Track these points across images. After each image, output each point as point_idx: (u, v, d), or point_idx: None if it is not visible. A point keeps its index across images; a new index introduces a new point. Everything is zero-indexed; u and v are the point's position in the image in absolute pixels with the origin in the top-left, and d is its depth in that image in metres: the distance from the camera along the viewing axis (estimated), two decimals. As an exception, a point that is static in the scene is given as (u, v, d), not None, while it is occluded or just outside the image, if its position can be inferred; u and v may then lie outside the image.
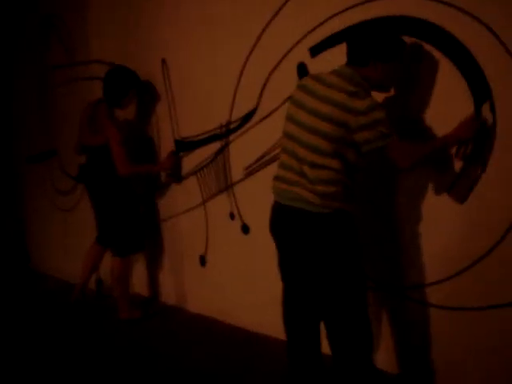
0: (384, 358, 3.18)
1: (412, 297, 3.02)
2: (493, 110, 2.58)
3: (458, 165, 2.74)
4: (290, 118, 2.64)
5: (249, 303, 3.81)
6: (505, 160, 2.58)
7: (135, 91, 4.11)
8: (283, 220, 2.65)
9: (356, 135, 2.44)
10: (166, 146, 4.27)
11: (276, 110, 3.45)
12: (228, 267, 3.95)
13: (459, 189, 2.75)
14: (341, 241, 2.56)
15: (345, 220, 2.57)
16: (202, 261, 4.16)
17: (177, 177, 4.21)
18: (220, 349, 3.65)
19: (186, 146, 4.10)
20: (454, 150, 2.72)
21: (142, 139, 4.42)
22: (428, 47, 2.75)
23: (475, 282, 2.76)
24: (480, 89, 2.61)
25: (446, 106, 2.74)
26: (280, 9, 3.33)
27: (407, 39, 2.73)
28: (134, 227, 4.21)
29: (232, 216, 3.85)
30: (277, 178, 2.67)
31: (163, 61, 4.13)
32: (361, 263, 2.65)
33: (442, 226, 2.86)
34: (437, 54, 2.73)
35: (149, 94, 4.28)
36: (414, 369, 3.10)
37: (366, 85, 2.53)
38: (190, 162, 4.11)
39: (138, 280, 4.73)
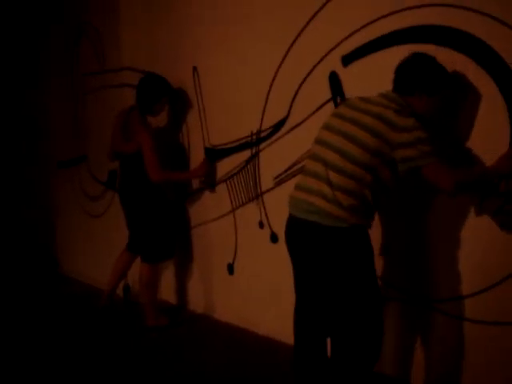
0: (408, 368, 3.17)
1: (443, 310, 2.98)
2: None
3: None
4: (325, 127, 2.63)
5: (275, 313, 3.79)
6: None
7: (167, 98, 4.12)
8: (298, 234, 2.64)
9: (396, 152, 2.43)
10: (196, 154, 4.27)
11: (307, 118, 3.44)
12: (256, 276, 3.93)
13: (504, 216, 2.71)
14: (355, 257, 2.54)
15: (360, 236, 2.55)
16: (231, 269, 4.15)
17: (211, 183, 4.20)
18: (244, 357, 3.65)
19: (216, 153, 4.10)
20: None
21: (174, 146, 4.43)
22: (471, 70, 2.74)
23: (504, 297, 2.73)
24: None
25: (488, 133, 2.71)
26: (314, 16, 3.33)
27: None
28: (165, 234, 4.22)
29: (261, 225, 3.84)
30: (296, 187, 2.66)
31: (194, 68, 4.15)
32: (375, 279, 2.62)
33: (476, 240, 2.82)
34: (479, 77, 2.70)
35: (180, 101, 4.29)
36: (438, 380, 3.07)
37: (409, 109, 2.54)
38: (220, 169, 4.11)
39: (167, 287, 4.72)
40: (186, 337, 4.06)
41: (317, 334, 2.77)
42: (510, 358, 2.76)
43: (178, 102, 4.30)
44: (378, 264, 3.18)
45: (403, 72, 2.63)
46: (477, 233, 2.81)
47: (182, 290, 4.67)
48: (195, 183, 4.33)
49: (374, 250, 2.62)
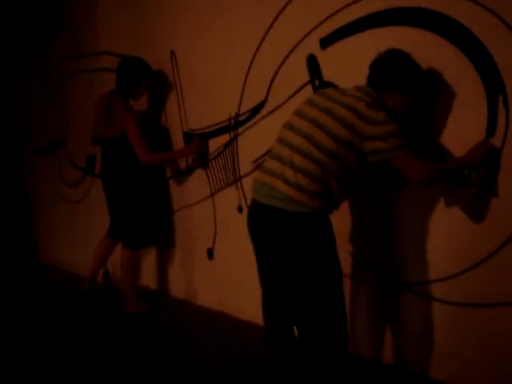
0: (384, 349, 3.19)
1: (417, 291, 3.00)
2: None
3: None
4: (296, 113, 2.62)
5: (257, 297, 3.77)
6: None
7: (148, 81, 4.08)
8: (259, 220, 2.61)
9: (366, 143, 2.43)
10: (175, 138, 4.25)
11: (285, 102, 3.42)
12: (236, 261, 3.92)
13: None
14: (315, 242, 2.50)
15: (321, 221, 2.52)
16: (210, 254, 4.14)
17: (203, 161, 4.10)
18: (227, 343, 3.64)
19: (193, 138, 4.06)
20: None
21: (156, 130, 4.40)
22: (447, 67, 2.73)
23: (482, 280, 2.74)
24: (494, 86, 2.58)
25: (465, 123, 2.71)
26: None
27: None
28: (148, 220, 4.21)
29: (240, 209, 3.83)
30: (260, 170, 2.64)
31: (172, 52, 4.11)
32: (337, 264, 2.59)
33: (450, 225, 2.83)
34: (458, 61, 2.69)
35: (159, 86, 4.25)
36: (413, 361, 3.09)
37: (381, 104, 2.53)
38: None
39: (147, 273, 4.71)
40: (166, 323, 4.05)
41: (284, 322, 2.75)
42: (481, 339, 2.79)
43: (157, 87, 4.27)
44: (352, 246, 3.23)
45: (378, 68, 2.62)
46: (451, 217, 2.82)
47: (162, 275, 4.66)
48: (190, 161, 4.24)
49: (334, 236, 2.58)
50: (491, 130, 2.60)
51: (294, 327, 2.73)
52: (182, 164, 4.25)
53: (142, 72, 4.02)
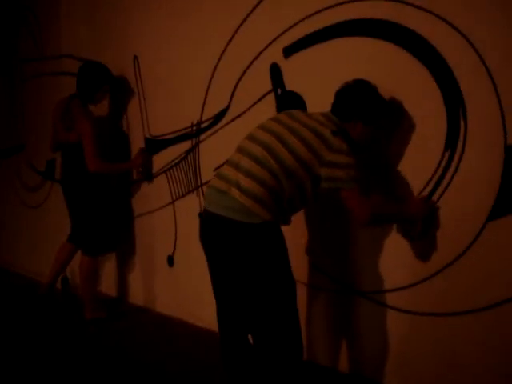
0: (340, 357, 3.20)
1: (373, 299, 3.03)
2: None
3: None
4: (260, 127, 2.63)
5: (213, 303, 3.78)
6: (472, 163, 2.60)
7: (108, 87, 4.05)
8: (210, 230, 2.60)
9: (324, 169, 2.46)
10: (136, 144, 4.22)
11: (248, 110, 3.43)
12: (196, 268, 3.88)
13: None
14: (266, 254, 2.49)
15: (272, 232, 2.51)
16: (170, 261, 4.12)
17: (147, 174, 4.16)
18: (185, 350, 3.62)
19: (156, 144, 4.05)
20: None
21: (116, 136, 4.36)
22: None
23: (438, 290, 2.78)
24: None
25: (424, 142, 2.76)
26: (255, 7, 3.32)
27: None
28: (108, 226, 4.16)
29: (201, 216, 3.80)
30: (215, 175, 2.63)
31: (135, 57, 4.08)
32: (289, 275, 2.58)
33: (404, 240, 2.88)
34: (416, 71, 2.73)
35: (121, 91, 4.22)
36: (368, 369, 3.11)
37: (345, 133, 2.57)
38: (160, 160, 4.07)
39: (107, 279, 4.67)
40: (125, 330, 4.01)
41: (238, 330, 2.74)
42: (434, 347, 2.82)
43: (119, 92, 4.24)
44: (310, 254, 3.25)
45: (343, 98, 2.65)
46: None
47: (122, 282, 4.61)
48: (135, 174, 4.26)
49: (286, 246, 2.58)
50: (451, 142, 2.64)
51: (249, 335, 2.73)
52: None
53: (103, 77, 3.99)
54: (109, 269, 4.65)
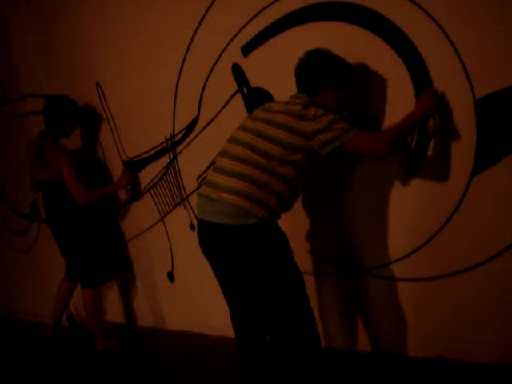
0: (358, 338, 3.25)
1: (378, 274, 3.07)
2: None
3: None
4: (239, 128, 2.64)
5: (224, 309, 3.76)
6: (447, 124, 2.66)
7: (77, 117, 4.04)
8: (209, 239, 2.60)
9: (314, 140, 2.44)
10: (114, 169, 4.21)
11: (218, 114, 3.45)
12: (198, 278, 3.89)
13: (410, 162, 2.79)
14: (268, 252, 2.50)
15: (270, 229, 2.52)
16: (171, 277, 4.12)
17: (136, 192, 4.14)
18: (202, 360, 3.63)
19: (134, 165, 4.04)
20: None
21: (93, 165, 4.35)
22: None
23: (438, 252, 2.84)
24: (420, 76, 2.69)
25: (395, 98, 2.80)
26: (205, 13, 3.33)
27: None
28: (101, 255, 4.15)
29: (192, 227, 3.82)
30: (204, 183, 2.64)
31: (97, 84, 4.07)
32: (294, 267, 2.59)
33: (399, 207, 2.93)
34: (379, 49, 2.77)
35: (89, 119, 4.21)
36: (389, 344, 3.16)
37: (318, 104, 2.56)
38: (142, 180, 4.06)
39: (112, 307, 4.65)
40: (138, 353, 4.00)
41: (254, 331, 2.76)
42: (450, 308, 2.88)
43: (88, 121, 4.23)
44: (310, 244, 3.27)
45: (302, 73, 2.66)
46: (398, 200, 2.92)
47: (127, 307, 4.59)
48: (124, 195, 4.24)
49: (287, 239, 2.59)
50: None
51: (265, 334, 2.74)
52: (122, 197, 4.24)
53: (69, 109, 3.97)
54: (112, 296, 4.63)
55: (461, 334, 2.86)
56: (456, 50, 2.54)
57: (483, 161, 2.58)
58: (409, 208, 2.88)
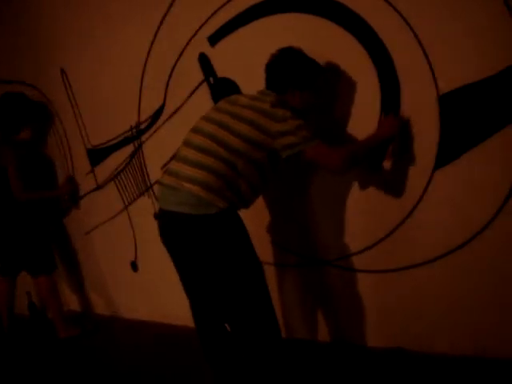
0: (316, 328, 3.28)
1: (339, 265, 3.10)
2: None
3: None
4: (203, 118, 2.62)
5: (186, 299, 3.79)
6: (412, 118, 2.70)
7: (36, 125, 4.09)
8: (169, 228, 2.59)
9: (277, 141, 2.45)
10: (77, 157, 4.18)
11: (184, 103, 3.44)
12: (162, 267, 3.86)
13: (373, 158, 2.83)
14: (228, 242, 2.50)
15: (230, 220, 2.52)
16: (134, 266, 4.10)
17: (74, 200, 4.26)
18: (165, 350, 3.63)
19: (99, 153, 4.01)
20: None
21: (44, 161, 4.36)
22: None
23: (399, 244, 2.88)
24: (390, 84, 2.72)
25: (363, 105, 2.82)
26: (173, 0, 3.31)
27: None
28: (48, 245, 4.16)
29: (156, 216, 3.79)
30: (166, 172, 2.62)
31: (62, 71, 4.02)
32: (254, 257, 2.59)
33: (361, 199, 2.96)
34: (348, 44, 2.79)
35: (54, 106, 4.16)
36: (349, 334, 3.20)
37: (286, 104, 2.56)
38: (106, 168, 4.04)
39: (73, 297, 4.63)
40: (101, 343, 3.98)
41: (214, 321, 2.76)
42: (409, 299, 2.93)
43: (50, 112, 4.19)
44: (272, 234, 3.29)
45: (272, 71, 2.65)
46: (361, 192, 2.95)
47: (89, 296, 4.57)
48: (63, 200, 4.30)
49: (246, 229, 2.58)
50: (386, 105, 2.74)
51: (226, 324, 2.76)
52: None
53: (24, 116, 3.99)
54: (75, 286, 4.61)
55: (420, 325, 2.90)
56: (421, 45, 2.56)
57: (445, 156, 2.62)
58: (371, 201, 2.91)
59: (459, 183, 2.62)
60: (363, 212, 2.96)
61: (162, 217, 2.62)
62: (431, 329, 2.88)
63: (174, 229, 2.55)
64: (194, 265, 2.60)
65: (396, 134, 2.68)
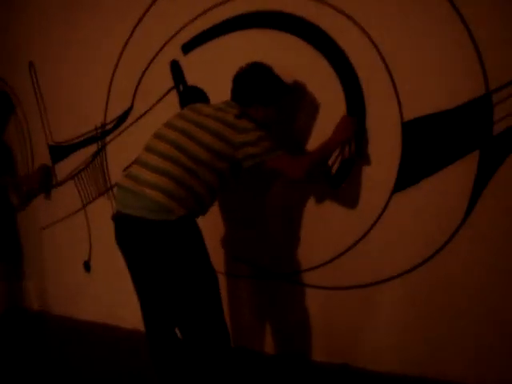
0: (266, 340, 3.33)
1: (291, 279, 3.16)
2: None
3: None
4: (167, 125, 2.64)
5: (135, 303, 3.78)
6: (374, 143, 2.77)
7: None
8: (126, 232, 2.58)
9: (239, 151, 2.51)
10: (39, 153, 4.14)
11: (151, 108, 3.45)
12: (115, 269, 3.83)
13: (334, 176, 2.89)
14: (184, 249, 2.52)
15: (187, 227, 2.54)
16: (87, 266, 4.08)
17: (46, 189, 4.16)
18: (112, 353, 3.62)
19: (60, 150, 3.99)
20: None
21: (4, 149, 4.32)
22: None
23: (351, 264, 2.96)
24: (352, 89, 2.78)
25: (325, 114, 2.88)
26: (151, 5, 3.33)
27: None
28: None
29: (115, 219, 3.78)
30: (126, 176, 2.62)
31: (31, 64, 4.00)
32: (209, 266, 2.62)
33: (320, 217, 3.01)
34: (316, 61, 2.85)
35: (19, 99, 4.13)
36: (295, 347, 3.24)
37: (249, 116, 2.62)
38: (66, 166, 4.01)
39: (23, 294, 4.55)
40: (50, 342, 3.95)
41: (164, 326, 2.75)
42: (356, 317, 3.01)
43: (11, 100, 4.16)
44: (229, 245, 3.32)
45: (240, 84, 2.70)
46: (320, 209, 3.00)
47: (41, 294, 4.50)
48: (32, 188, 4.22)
49: (203, 238, 2.61)
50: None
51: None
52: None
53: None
54: (24, 283, 4.55)
55: (367, 343, 2.97)
56: (389, 70, 2.65)
57: (404, 180, 2.70)
58: (329, 218, 2.97)
59: (416, 208, 2.70)
60: (320, 228, 3.01)
61: (120, 219, 2.61)
62: (377, 347, 2.96)
63: (131, 232, 2.55)
64: (149, 269, 2.59)
65: (351, 137, 2.76)
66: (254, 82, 2.67)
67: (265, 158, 2.52)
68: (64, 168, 4.03)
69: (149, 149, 2.60)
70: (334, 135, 2.74)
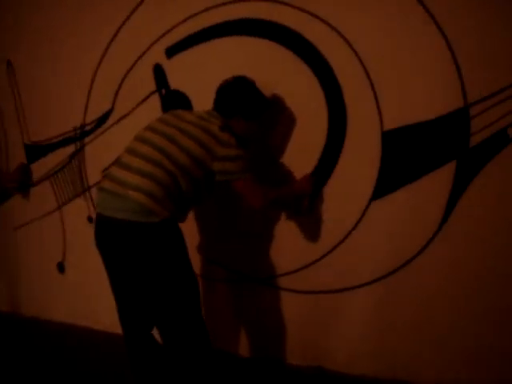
0: (241, 342, 3.36)
1: (267, 283, 3.20)
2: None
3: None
4: (149, 128, 2.66)
5: (112, 305, 3.77)
6: (355, 150, 2.84)
7: None
8: (107, 235, 2.58)
9: (216, 163, 2.56)
10: (15, 153, 4.12)
11: (132, 111, 3.47)
12: (89, 271, 3.84)
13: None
14: (166, 252, 2.54)
15: (170, 230, 2.56)
16: (61, 267, 4.06)
17: (24, 188, 4.13)
18: (82, 354, 3.62)
19: (37, 150, 3.97)
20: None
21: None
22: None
23: (323, 272, 3.02)
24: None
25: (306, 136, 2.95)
26: (136, 7, 3.35)
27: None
28: None
29: (90, 219, 3.79)
30: (107, 179, 2.61)
31: (8, 62, 3.97)
32: (190, 270, 2.66)
33: (296, 222, 3.07)
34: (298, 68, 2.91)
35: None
36: (271, 350, 3.28)
37: (230, 128, 2.67)
38: (42, 166, 3.99)
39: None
40: (22, 344, 3.90)
41: (143, 328, 2.76)
42: (331, 321, 3.06)
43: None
44: (207, 249, 3.35)
45: (223, 96, 2.74)
46: (296, 217, 3.06)
47: (12, 295, 4.44)
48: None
49: (185, 241, 2.65)
50: (333, 135, 2.87)
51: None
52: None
53: None
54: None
55: (342, 346, 3.03)
56: (371, 83, 2.72)
57: (382, 188, 2.77)
58: (306, 224, 3.03)
59: (393, 215, 2.77)
60: (297, 234, 3.06)
61: (100, 222, 2.61)
62: (352, 351, 3.01)
63: (113, 235, 2.55)
64: (131, 272, 2.60)
65: (307, 194, 2.88)
66: (238, 95, 2.72)
67: (236, 177, 2.60)
68: (40, 168, 4.00)
69: (131, 151, 2.61)
70: (296, 187, 2.88)
